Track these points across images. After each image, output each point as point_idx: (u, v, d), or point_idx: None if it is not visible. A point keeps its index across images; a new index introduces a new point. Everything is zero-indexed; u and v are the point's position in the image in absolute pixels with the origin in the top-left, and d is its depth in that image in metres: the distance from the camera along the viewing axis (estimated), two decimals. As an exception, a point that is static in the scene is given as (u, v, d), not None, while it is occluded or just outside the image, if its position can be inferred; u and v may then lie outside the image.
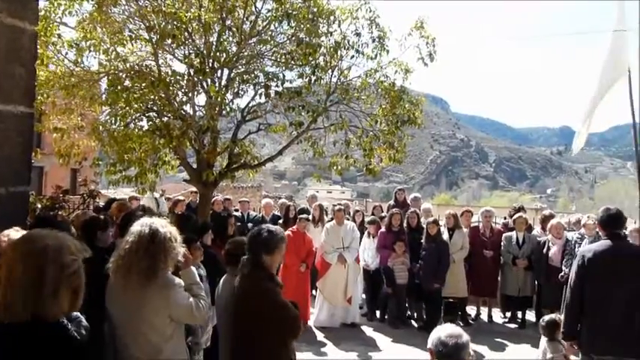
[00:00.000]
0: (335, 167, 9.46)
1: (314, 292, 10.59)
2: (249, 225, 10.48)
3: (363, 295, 10.01)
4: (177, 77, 7.99)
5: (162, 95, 8.00)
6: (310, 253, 8.95)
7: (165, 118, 8.34)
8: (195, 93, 8.27)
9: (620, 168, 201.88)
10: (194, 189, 11.47)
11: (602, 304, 4.74)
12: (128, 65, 7.98)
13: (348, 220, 9.84)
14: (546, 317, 5.60)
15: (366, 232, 9.80)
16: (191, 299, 3.40)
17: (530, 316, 9.43)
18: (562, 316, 5.13)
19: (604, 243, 4.87)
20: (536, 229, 9.86)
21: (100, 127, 8.25)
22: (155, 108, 8.26)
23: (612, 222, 4.96)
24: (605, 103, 7.25)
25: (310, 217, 10.78)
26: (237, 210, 11.73)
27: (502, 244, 9.32)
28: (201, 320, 3.59)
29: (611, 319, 4.69)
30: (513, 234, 9.30)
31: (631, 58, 7.02)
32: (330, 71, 8.82)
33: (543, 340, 5.55)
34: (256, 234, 3.77)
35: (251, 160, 9.05)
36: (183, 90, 8.20)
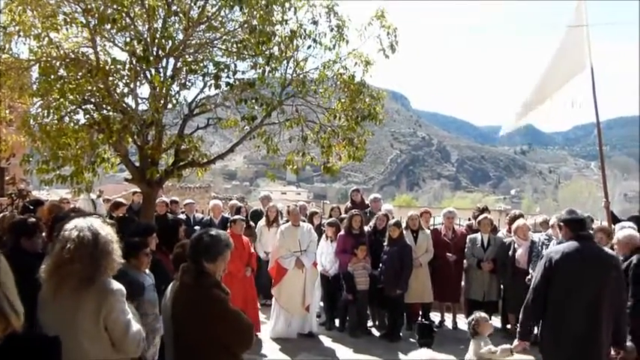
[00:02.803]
0: (290, 166, 9.44)
1: (266, 300, 10.56)
2: (197, 229, 10.33)
3: (321, 303, 10.01)
4: (118, 66, 7.80)
5: (101, 86, 7.78)
6: (252, 255, 8.99)
7: (105, 111, 8.13)
8: (138, 83, 8.09)
9: (583, 168, 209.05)
10: (136, 189, 11.24)
11: (566, 308, 4.85)
12: (62, 52, 7.74)
13: (305, 222, 9.83)
14: (472, 316, 5.88)
15: (323, 235, 9.80)
16: (130, 316, 3.29)
17: (497, 321, 9.62)
18: (520, 316, 5.24)
19: (572, 245, 4.98)
20: (502, 231, 10.07)
21: (31, 121, 8.00)
22: (93, 100, 8.04)
23: (578, 223, 5.10)
24: (561, 98, 7.48)
25: (264, 218, 10.78)
26: (183, 212, 11.59)
27: (466, 246, 9.48)
28: (130, 349, 3.35)
29: (574, 325, 4.81)
30: (478, 236, 9.48)
31: (592, 55, 7.26)
32: (285, 62, 8.77)
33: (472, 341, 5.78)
34: (197, 239, 3.71)
35: (199, 158, 8.93)
36: (124, 80, 8.01)
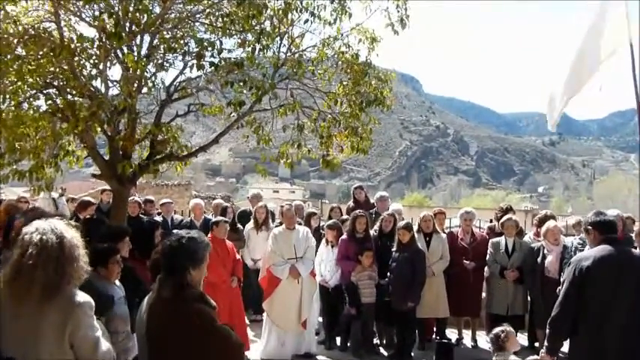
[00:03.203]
0: (284, 159, 9.42)
1: (256, 316, 10.57)
2: (175, 232, 10.34)
3: (320, 319, 10.03)
4: (85, 44, 7.75)
5: (66, 67, 7.75)
6: (238, 263, 9.04)
7: (69, 96, 8.10)
8: (108, 64, 8.05)
9: (622, 161, 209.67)
10: (105, 187, 11.22)
11: (601, 322, 4.87)
12: (21, 28, 7.69)
13: (301, 224, 9.83)
14: (494, 331, 5.87)
15: (323, 240, 9.83)
16: (99, 333, 3.29)
17: (523, 339, 9.62)
18: (547, 330, 5.25)
19: (604, 249, 5.00)
20: (529, 234, 10.09)
21: (-17, 108, 7.94)
22: (56, 83, 8.00)
23: (607, 226, 5.11)
24: (597, 80, 7.45)
25: (252, 221, 10.80)
26: (159, 214, 11.61)
27: (488, 252, 9.49)
28: None
29: (611, 340, 4.82)
30: (501, 240, 9.49)
31: (632, 31, 7.21)
32: (278, 39, 8.75)
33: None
34: (176, 244, 3.72)
35: (178, 150, 8.90)
36: (92, 60, 7.97)
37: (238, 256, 9.31)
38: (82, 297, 3.26)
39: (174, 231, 10.13)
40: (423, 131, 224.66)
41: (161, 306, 3.61)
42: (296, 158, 9.45)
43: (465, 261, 9.52)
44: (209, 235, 8.69)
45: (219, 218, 9.28)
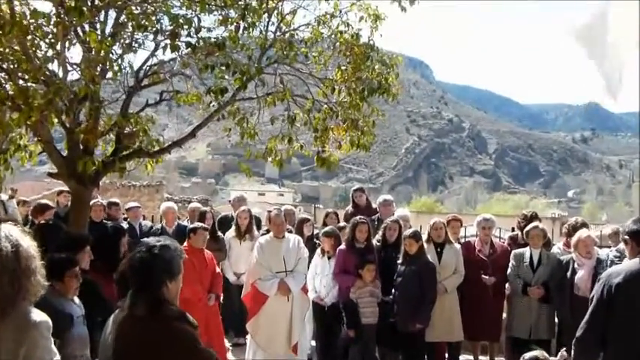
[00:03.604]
0: (272, 156, 9.44)
1: (238, 339, 10.58)
2: (145, 240, 10.33)
3: (313, 342, 10.05)
4: (40, 20, 7.73)
5: (17, 47, 7.75)
6: (218, 277, 9.10)
7: (22, 82, 8.08)
8: (67, 44, 8.04)
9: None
10: (63, 187, 11.21)
11: (631, 345, 4.90)
12: (-38, 1, 7.69)
13: (291, 232, 9.86)
14: (527, 355, 5.80)
15: (317, 251, 9.86)
16: (58, 358, 3.30)
17: (548, 367, 9.67)
18: (572, 351, 5.28)
19: (637, 264, 5.00)
20: (557, 245, 10.11)
21: None
22: (5, 66, 8.00)
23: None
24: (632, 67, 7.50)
25: (233, 228, 10.80)
26: (125, 219, 11.61)
27: (509, 265, 9.51)
28: None
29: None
30: (525, 251, 9.50)
31: None
32: (266, 16, 8.76)
33: None
34: (149, 254, 3.74)
35: (149, 146, 8.87)
36: (48, 39, 7.96)
37: (218, 270, 9.34)
38: (38, 315, 3.26)
39: (144, 239, 10.26)
40: (433, 125, 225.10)
41: (134, 326, 3.60)
42: (286, 155, 9.49)
43: (483, 276, 9.51)
44: (185, 244, 8.72)
45: (198, 224, 9.29)
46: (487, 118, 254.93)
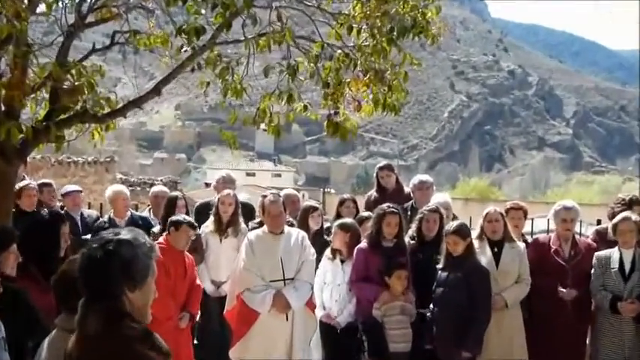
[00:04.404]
0: (266, 121, 9.42)
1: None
2: (90, 237, 10.33)
3: (322, 377, 10.07)
4: None
5: None
6: (196, 291, 9.20)
7: None
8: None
9: None
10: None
11: None
12: None
13: (293, 225, 9.86)
14: None
15: (327, 251, 9.87)
16: None
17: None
18: None
19: None
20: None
21: None
22: None
23: None
24: None
25: (211, 220, 10.77)
26: (62, 207, 11.60)
27: (592, 272, 9.46)
28: None
29: None
30: (613, 253, 9.45)
31: None
32: None
33: None
34: (101, 251, 3.70)
35: (96, 107, 8.89)
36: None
37: (199, 281, 9.41)
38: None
39: (88, 237, 10.24)
40: (488, 79, 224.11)
41: (82, 348, 3.62)
42: (285, 120, 9.45)
43: (560, 288, 9.42)
44: (161, 239, 8.93)
45: (182, 217, 9.32)
46: (563, 69, 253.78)
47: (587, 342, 9.72)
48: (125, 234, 3.79)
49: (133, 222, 10.93)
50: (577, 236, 10.07)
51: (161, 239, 9.01)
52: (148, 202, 12.67)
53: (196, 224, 9.91)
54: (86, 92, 8.74)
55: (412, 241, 9.69)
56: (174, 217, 9.40)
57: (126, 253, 3.68)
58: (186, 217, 9.45)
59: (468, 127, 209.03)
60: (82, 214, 11.52)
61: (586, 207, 16.05)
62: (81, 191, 12.15)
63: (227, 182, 12.07)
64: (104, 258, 3.67)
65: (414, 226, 9.79)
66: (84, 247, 3.85)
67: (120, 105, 9.14)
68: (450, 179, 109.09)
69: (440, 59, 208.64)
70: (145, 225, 10.67)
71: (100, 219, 11.55)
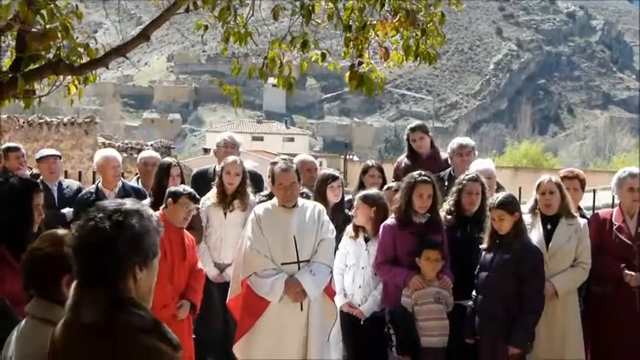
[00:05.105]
0: (275, 73, 9.42)
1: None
2: (68, 211, 10.40)
3: (344, 375, 10.13)
4: None
5: None
6: (197, 276, 9.29)
7: None
8: None
9: None
10: None
11: None
12: None
13: (309, 198, 9.92)
14: None
15: (348, 228, 9.93)
16: None
17: None
18: None
19: None
20: None
21: None
22: None
23: None
24: None
25: (214, 192, 10.78)
26: (35, 176, 11.57)
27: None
28: None
29: None
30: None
31: None
32: None
33: None
34: (110, 223, 3.56)
35: (72, 55, 8.92)
36: None
37: (200, 265, 9.47)
38: None
39: (66, 210, 10.33)
40: (542, 24, 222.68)
41: (77, 339, 3.57)
42: (298, 72, 9.45)
43: (626, 271, 9.38)
44: (160, 211, 8.94)
45: (182, 188, 9.37)
46: (634, 10, 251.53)
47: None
48: (132, 204, 3.73)
49: (125, 194, 10.80)
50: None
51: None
52: (136, 171, 12.59)
53: (198, 196, 9.89)
54: (60, 37, 8.75)
55: (449, 217, 9.70)
56: (172, 188, 9.41)
57: (137, 225, 3.61)
58: (186, 188, 9.44)
59: (518, 82, 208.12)
60: (60, 184, 11.50)
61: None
62: (59, 156, 12.05)
63: (229, 146, 12.02)
64: (113, 230, 3.56)
65: (451, 199, 9.79)
66: (61, 221, 3.84)
67: (100, 54, 9.15)
68: (496, 144, 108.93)
69: (484, 1, 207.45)
70: (138, 198, 10.65)
71: (84, 189, 11.52)
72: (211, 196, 10.83)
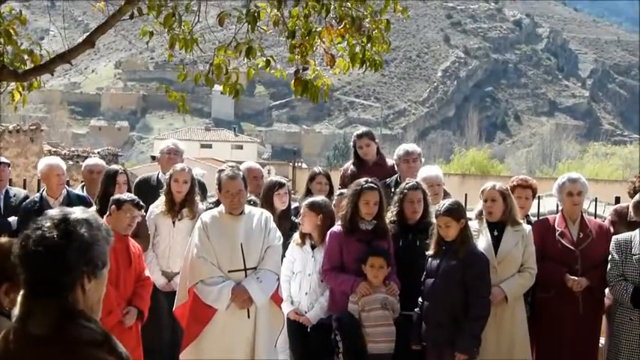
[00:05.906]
0: (222, 79, 9.42)
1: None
2: (13, 219, 10.35)
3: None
4: None
5: None
6: (145, 284, 9.26)
7: None
8: None
9: None
10: None
11: None
12: None
13: (256, 205, 9.93)
14: None
15: (295, 235, 9.94)
16: None
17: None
18: None
19: None
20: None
21: None
22: None
23: None
24: None
25: (162, 200, 10.75)
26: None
27: (610, 259, 9.50)
28: None
29: None
30: (634, 236, 9.51)
31: None
32: None
33: None
34: (58, 232, 3.50)
35: (17, 61, 8.89)
36: None
37: (148, 272, 9.45)
38: None
39: (12, 219, 10.28)
40: (489, 31, 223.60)
41: (26, 351, 3.53)
42: (245, 78, 9.45)
43: (568, 275, 9.45)
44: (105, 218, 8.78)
45: (125, 195, 9.31)
46: (579, 18, 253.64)
47: (602, 342, 9.81)
48: (81, 213, 3.66)
49: (70, 202, 10.66)
50: (586, 216, 10.13)
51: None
52: (81, 178, 12.49)
53: (143, 204, 9.82)
54: (3, 43, 8.73)
55: (394, 225, 9.69)
56: (116, 195, 9.37)
57: (86, 235, 3.54)
58: (130, 195, 9.41)
59: (466, 89, 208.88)
60: (7, 192, 11.41)
61: (604, 183, 16.19)
62: (8, 164, 11.95)
63: (172, 153, 12.03)
64: (61, 240, 3.48)
65: (393, 208, 9.76)
66: (7, 229, 3.82)
67: (45, 60, 9.11)
68: (444, 151, 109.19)
69: (431, 7, 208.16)
70: (83, 206, 10.54)
71: (30, 197, 11.38)
72: (160, 204, 10.77)
